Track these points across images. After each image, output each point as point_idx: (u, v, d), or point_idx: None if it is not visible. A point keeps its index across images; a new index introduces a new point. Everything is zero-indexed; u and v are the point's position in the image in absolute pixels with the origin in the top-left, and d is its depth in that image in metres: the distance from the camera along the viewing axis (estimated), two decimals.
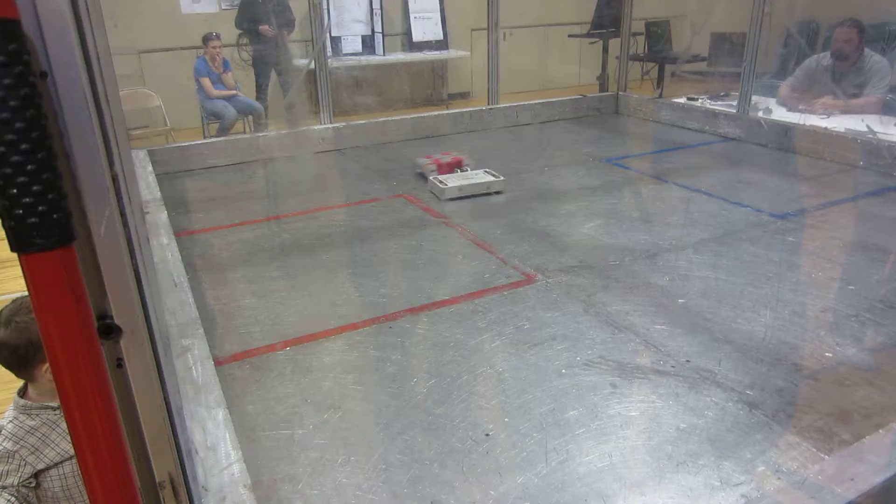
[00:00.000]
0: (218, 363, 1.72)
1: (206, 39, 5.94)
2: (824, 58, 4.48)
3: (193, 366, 1.36)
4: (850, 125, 3.90)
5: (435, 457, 1.47)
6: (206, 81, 5.93)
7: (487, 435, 1.54)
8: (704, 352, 1.88)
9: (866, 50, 4.37)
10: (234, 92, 6.09)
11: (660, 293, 2.23)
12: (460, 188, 3.24)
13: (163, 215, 2.44)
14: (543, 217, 2.94)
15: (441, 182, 3.26)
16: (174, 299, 1.70)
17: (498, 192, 3.30)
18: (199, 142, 3.97)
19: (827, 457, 1.42)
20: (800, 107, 4.37)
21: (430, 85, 8.42)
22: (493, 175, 3.37)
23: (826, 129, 3.89)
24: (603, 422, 1.58)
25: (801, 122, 4.05)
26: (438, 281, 2.33)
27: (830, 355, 1.86)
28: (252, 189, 3.53)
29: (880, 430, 1.36)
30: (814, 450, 1.47)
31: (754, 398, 1.66)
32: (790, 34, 7.82)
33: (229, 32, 6.46)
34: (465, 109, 4.84)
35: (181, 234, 2.70)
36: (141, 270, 0.67)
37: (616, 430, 1.56)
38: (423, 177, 3.49)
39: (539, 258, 2.50)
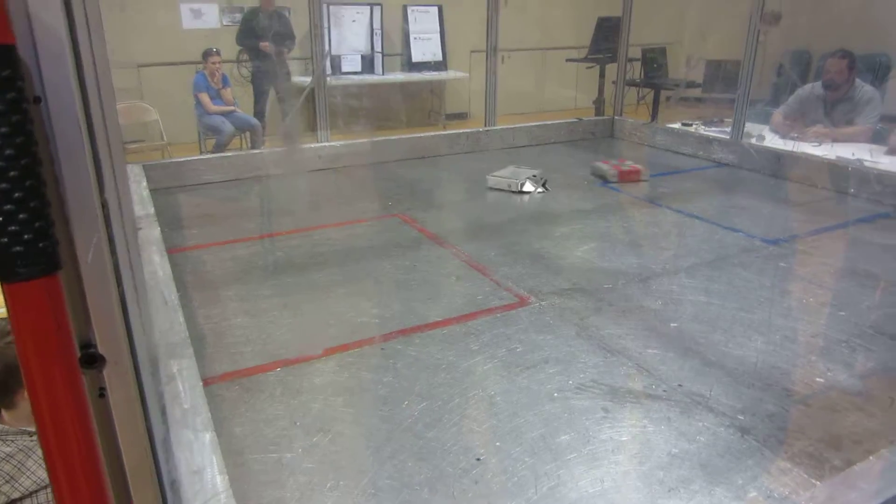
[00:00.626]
0: (207, 383, 1.71)
1: (206, 55, 5.96)
2: (816, 87, 4.53)
3: (182, 386, 1.35)
4: (841, 153, 3.93)
5: (425, 482, 1.46)
6: (205, 97, 5.95)
7: (478, 460, 1.53)
8: (696, 376, 1.87)
9: (857, 80, 4.42)
10: (232, 108, 6.11)
11: (652, 317, 2.23)
12: (496, 181, 3.73)
13: (155, 231, 2.44)
14: (537, 239, 2.95)
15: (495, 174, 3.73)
16: (164, 318, 1.70)
17: (522, 192, 3.64)
18: (196, 157, 3.98)
19: (818, 483, 1.42)
20: (792, 134, 4.41)
21: (428, 105, 8.47)
22: (534, 185, 3.69)
23: (818, 156, 3.93)
24: (594, 447, 1.57)
25: (794, 150, 4.09)
26: (431, 302, 2.33)
27: (821, 380, 1.86)
28: (247, 206, 3.54)
29: (871, 457, 1.36)
30: (805, 476, 1.47)
31: (746, 423, 1.66)
32: (783, 63, 7.92)
33: (229, 48, 6.50)
34: (461, 131, 4.87)
35: (174, 251, 2.69)
36: (129, 297, 0.66)
37: (607, 455, 1.55)
38: (599, 178, 3.94)
39: (532, 280, 2.51)
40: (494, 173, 3.75)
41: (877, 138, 4.35)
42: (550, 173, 4.18)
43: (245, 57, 6.66)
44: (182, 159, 3.84)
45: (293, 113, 5.59)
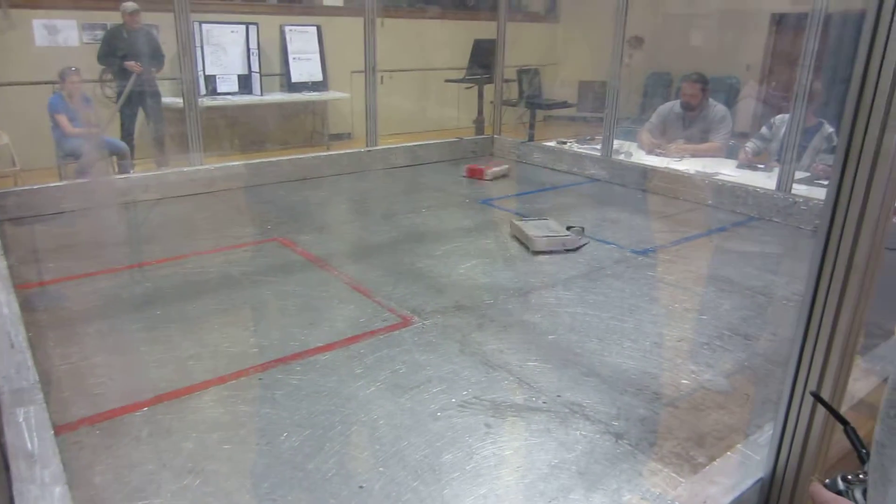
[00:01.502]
0: (61, 430, 1.57)
1: (64, 74, 5.56)
2: (675, 105, 4.87)
3: (28, 436, 1.23)
4: (699, 167, 4.24)
5: None
6: (63, 119, 5.53)
7: (361, 487, 1.50)
8: (574, 386, 1.93)
9: (710, 100, 4.79)
10: (94, 130, 5.73)
11: (532, 330, 2.28)
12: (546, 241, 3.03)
13: (0, 266, 2.22)
14: (420, 258, 2.96)
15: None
16: (9, 362, 1.54)
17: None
18: (53, 184, 3.69)
19: (683, 481, 1.49)
20: (656, 150, 4.71)
21: (310, 126, 8.35)
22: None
23: (679, 171, 4.21)
24: (477, 463, 1.58)
25: (658, 165, 4.36)
26: (313, 327, 2.27)
27: (687, 382, 1.97)
28: (112, 235, 3.31)
29: (728, 453, 1.45)
30: (674, 475, 1.54)
31: (620, 429, 1.73)
32: (647, 84, 8.48)
33: (91, 67, 6.11)
34: (343, 151, 4.83)
35: (26, 286, 2.48)
36: None
37: (490, 470, 1.56)
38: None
39: (416, 300, 2.50)
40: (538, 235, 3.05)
41: (730, 153, 4.72)
42: (432, 192, 4.23)
43: (109, 76, 6.28)
44: (37, 186, 3.54)
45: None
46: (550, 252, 3.01)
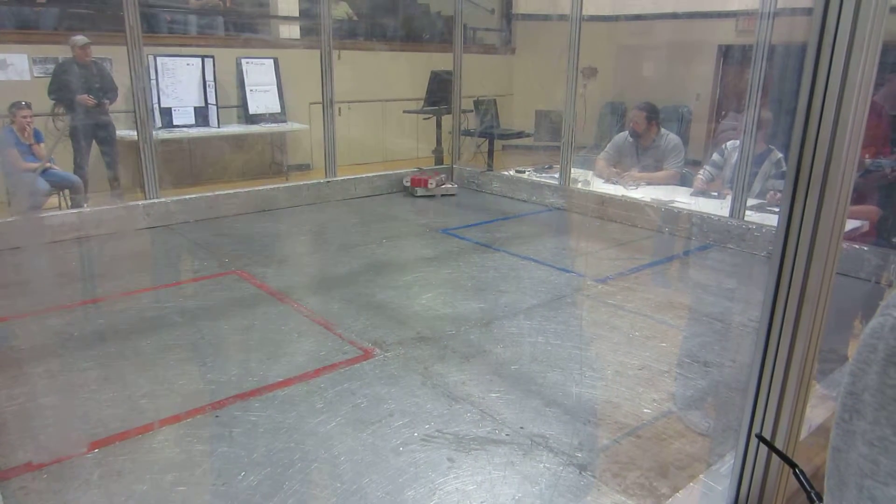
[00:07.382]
0: (6, 476, 1.50)
1: (14, 109, 5.44)
2: (628, 134, 4.98)
3: None
4: (654, 195, 4.33)
5: None
6: (13, 153, 5.39)
7: None
8: (537, 417, 1.93)
9: (662, 129, 4.91)
10: (46, 164, 5.58)
11: (495, 360, 2.28)
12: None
13: None
14: (381, 289, 2.94)
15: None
16: None
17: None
18: (1, 220, 3.57)
19: None
20: (613, 179, 4.79)
21: (269, 158, 8.29)
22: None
23: (636, 199, 4.30)
24: (441, 499, 1.56)
25: (615, 193, 4.45)
26: (272, 362, 2.23)
27: (649, 411, 1.99)
28: (65, 271, 3.21)
29: (691, 484, 1.46)
30: None
31: (583, 460, 1.73)
32: (603, 113, 8.68)
33: (43, 101, 5.98)
34: (302, 182, 4.81)
35: None
36: None
37: None
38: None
39: (377, 331, 2.48)
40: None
41: (684, 181, 4.84)
42: (392, 222, 4.23)
43: (61, 110, 6.16)
44: None
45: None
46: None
